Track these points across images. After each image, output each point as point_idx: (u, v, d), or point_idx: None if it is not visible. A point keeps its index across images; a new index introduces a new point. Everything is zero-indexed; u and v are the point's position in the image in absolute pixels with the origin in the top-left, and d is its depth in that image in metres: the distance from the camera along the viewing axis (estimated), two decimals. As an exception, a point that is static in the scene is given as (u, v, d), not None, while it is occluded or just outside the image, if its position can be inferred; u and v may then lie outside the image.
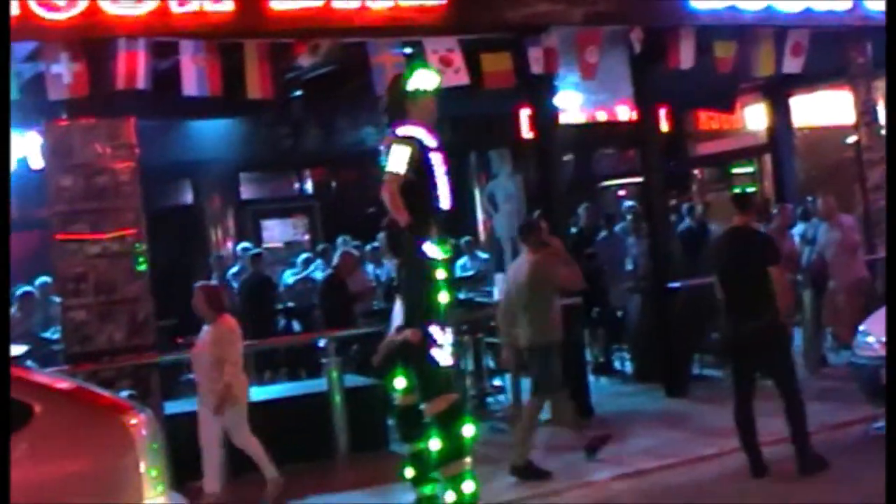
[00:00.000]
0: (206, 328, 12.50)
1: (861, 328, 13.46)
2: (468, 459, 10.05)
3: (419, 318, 10.03)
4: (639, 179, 19.25)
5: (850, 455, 12.19)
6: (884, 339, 12.83)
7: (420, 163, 9.92)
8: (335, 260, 18.11)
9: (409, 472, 10.47)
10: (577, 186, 22.64)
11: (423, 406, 10.13)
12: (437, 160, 10.02)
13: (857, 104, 19.13)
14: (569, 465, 13.12)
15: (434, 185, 10.01)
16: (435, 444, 9.96)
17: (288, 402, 14.80)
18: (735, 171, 27.40)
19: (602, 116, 22.88)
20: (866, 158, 19.06)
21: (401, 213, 9.83)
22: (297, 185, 25.37)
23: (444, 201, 10.11)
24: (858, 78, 18.97)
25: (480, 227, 23.77)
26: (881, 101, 19.37)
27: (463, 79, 14.65)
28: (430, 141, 10.05)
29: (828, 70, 19.99)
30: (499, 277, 16.57)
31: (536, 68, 15.31)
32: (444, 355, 10.00)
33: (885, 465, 7.64)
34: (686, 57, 16.11)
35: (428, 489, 10.37)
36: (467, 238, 21.31)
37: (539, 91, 16.12)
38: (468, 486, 9.89)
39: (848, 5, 17.57)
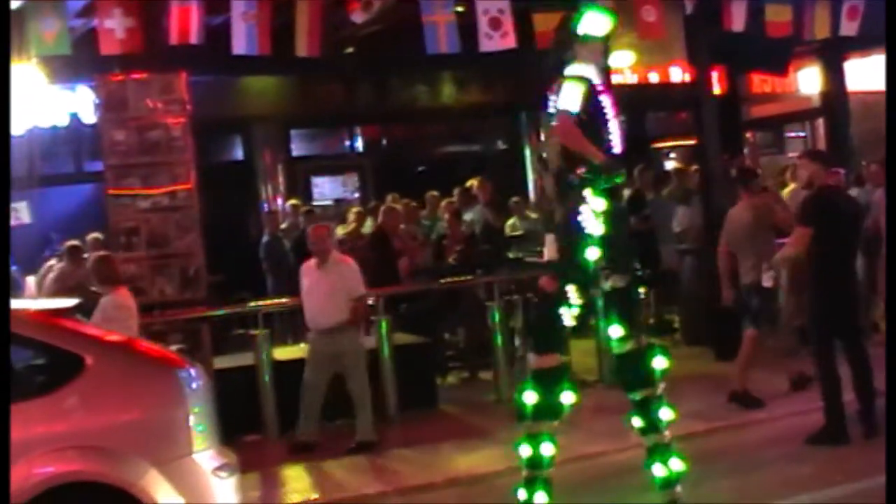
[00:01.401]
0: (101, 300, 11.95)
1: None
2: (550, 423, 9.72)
3: (623, 263, 9.63)
4: (691, 142, 19.16)
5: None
6: None
7: (591, 103, 9.40)
8: (381, 216, 18.13)
9: (637, 422, 9.70)
10: (629, 147, 22.51)
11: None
12: (607, 102, 9.51)
13: (912, 68, 18.93)
14: (618, 425, 13.14)
15: (606, 128, 9.50)
16: (531, 398, 9.60)
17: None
18: (788, 134, 27.24)
19: (655, 77, 22.77)
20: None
21: (589, 149, 9.33)
22: (347, 143, 25.38)
23: (617, 145, 9.56)
24: (914, 42, 18.77)
25: (531, 187, 23.70)
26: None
27: (510, 42, 14.60)
28: (599, 82, 9.56)
29: (883, 34, 19.78)
30: (549, 238, 16.52)
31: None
32: (569, 315, 9.59)
33: (885, 464, 7.61)
34: (738, 19, 15.99)
35: (658, 438, 9.88)
36: (516, 198, 21.26)
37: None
38: (665, 413, 9.50)
39: (906, -33, 17.36)
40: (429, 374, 15.17)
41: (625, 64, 21.05)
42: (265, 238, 19.05)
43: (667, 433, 9.57)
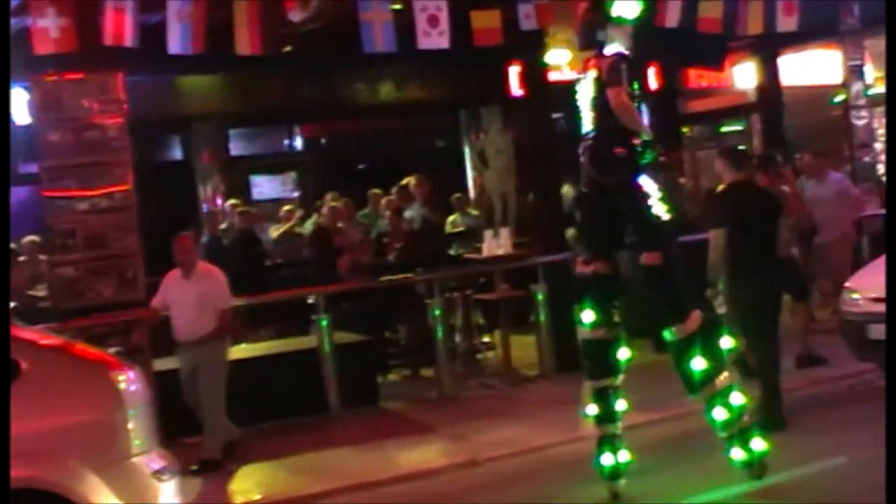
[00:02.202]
0: None
1: (847, 284, 13.57)
2: (727, 373, 9.78)
3: (655, 240, 9.82)
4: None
5: (838, 408, 12.30)
6: (870, 295, 12.96)
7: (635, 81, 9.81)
8: (321, 214, 18.15)
9: (592, 409, 10.07)
10: (567, 143, 22.62)
11: (671, 330, 9.80)
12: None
13: (846, 63, 19.14)
14: (563, 418, 13.25)
15: (640, 107, 9.85)
16: (699, 363, 9.64)
17: (278, 358, 14.80)
18: (725, 129, 27.40)
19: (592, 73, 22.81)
20: (853, 116, 19.08)
21: (642, 124, 9.74)
22: (287, 142, 25.30)
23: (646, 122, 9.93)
24: (847, 37, 18.99)
25: (470, 184, 23.74)
26: (869, 61, 19.36)
27: (444, 43, 14.63)
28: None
29: (816, 29, 19.99)
30: (488, 234, 16.61)
31: (527, 25, 15.28)
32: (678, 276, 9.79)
33: (885, 464, 7.71)
34: (672, 15, 16.08)
35: (615, 428, 10.06)
36: (457, 195, 21.30)
37: (529, 48, 16.11)
38: (737, 398, 9.67)
39: (837, -34, 17.57)
40: (370, 372, 15.20)
41: (563, 61, 21.08)
42: (205, 238, 18.95)
43: (620, 424, 9.71)
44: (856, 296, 13.26)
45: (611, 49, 9.81)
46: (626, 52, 9.81)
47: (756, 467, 9.65)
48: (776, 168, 14.80)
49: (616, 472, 9.87)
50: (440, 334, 15.06)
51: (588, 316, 9.98)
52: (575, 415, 13.14)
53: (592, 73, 9.84)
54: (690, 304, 9.80)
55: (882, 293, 12.87)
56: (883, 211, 18.39)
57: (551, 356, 15.52)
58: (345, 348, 14.57)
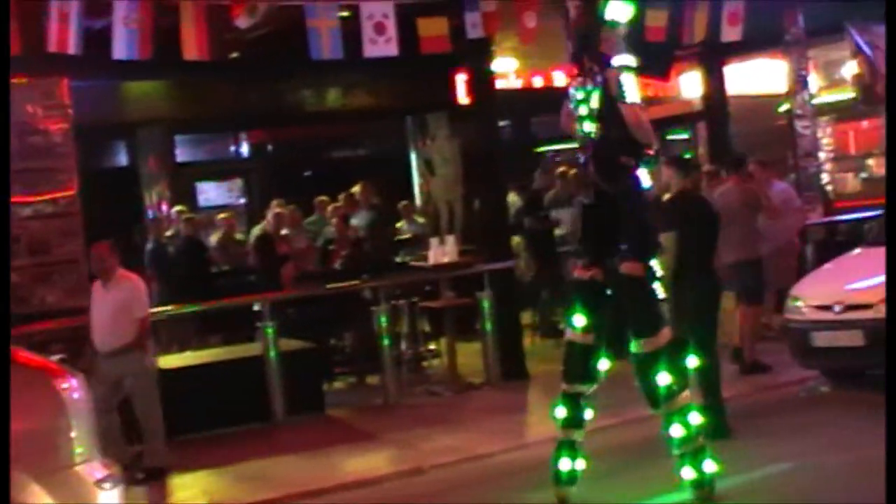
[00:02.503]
0: None
1: (791, 293, 13.68)
2: (688, 392, 9.79)
3: (643, 250, 9.76)
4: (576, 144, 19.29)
5: (784, 415, 12.39)
6: (813, 303, 13.09)
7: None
8: (266, 221, 18.13)
9: (561, 412, 10.02)
10: (514, 151, 22.68)
11: (639, 343, 9.67)
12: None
13: (790, 73, 19.30)
14: (508, 426, 13.28)
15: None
16: (664, 378, 9.58)
17: (223, 366, 14.75)
18: (670, 137, 27.52)
19: (539, 82, 22.91)
20: (797, 126, 19.23)
21: (653, 138, 9.76)
22: (233, 148, 25.25)
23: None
24: (791, 47, 19.13)
25: (417, 192, 23.75)
26: (813, 70, 19.51)
27: (391, 50, 14.65)
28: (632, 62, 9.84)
29: (762, 39, 20.14)
30: (434, 241, 16.63)
31: (474, 33, 15.32)
32: (661, 289, 9.80)
33: (885, 464, 7.78)
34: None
35: (578, 435, 10.01)
36: (405, 202, 21.31)
37: (476, 56, 16.15)
38: (695, 418, 9.64)
39: (782, -24, 17.73)
40: (316, 379, 15.16)
41: (509, 69, 21.17)
42: (150, 245, 18.88)
43: (583, 432, 9.89)
44: (799, 304, 13.39)
45: (619, 59, 9.79)
46: (632, 63, 9.80)
47: (705, 489, 9.67)
48: (746, 170, 15.49)
49: (571, 479, 9.90)
50: (386, 342, 15.05)
51: (579, 320, 9.95)
52: (520, 422, 13.24)
53: (598, 84, 9.79)
54: (663, 320, 9.83)
55: (824, 301, 13.02)
56: (827, 219, 18.59)
57: (496, 364, 15.55)
58: (290, 355, 14.54)
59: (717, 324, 12.15)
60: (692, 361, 9.99)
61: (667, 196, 12.38)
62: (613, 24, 9.86)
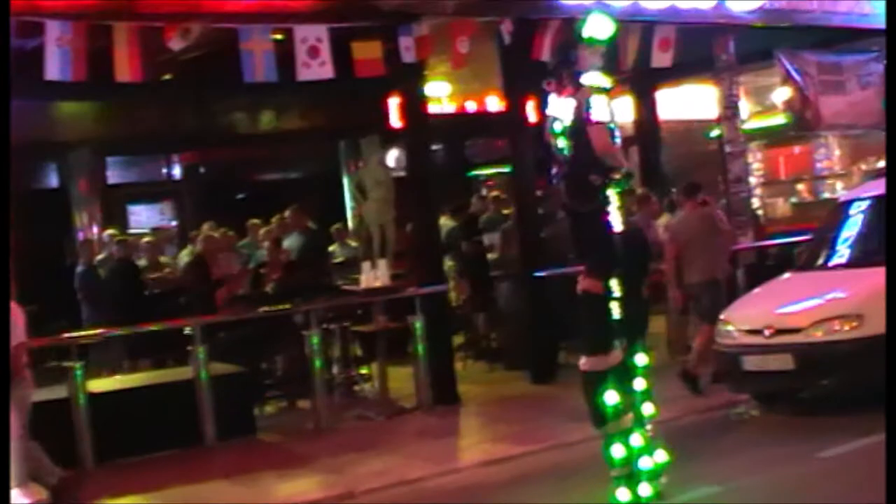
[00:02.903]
0: None
1: (722, 317, 13.78)
2: (632, 414, 9.81)
3: (603, 269, 9.81)
4: (508, 169, 19.40)
5: (715, 438, 12.48)
6: (743, 327, 13.20)
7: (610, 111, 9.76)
8: (198, 244, 18.05)
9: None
10: (447, 175, 22.74)
11: (589, 359, 9.72)
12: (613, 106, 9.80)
13: (721, 99, 19.47)
14: (440, 449, 13.29)
15: (613, 132, 9.78)
16: (611, 397, 9.60)
17: (153, 389, 14.65)
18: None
19: (472, 106, 23.00)
20: (728, 151, 19.41)
21: (620, 157, 9.75)
22: (165, 170, 25.13)
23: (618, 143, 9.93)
24: (722, 73, 19.30)
25: (349, 215, 23.72)
26: (744, 96, 19.68)
27: (324, 74, 14.67)
28: (607, 86, 9.74)
29: (692, 65, 20.34)
30: (366, 265, 16.61)
31: (407, 57, 15.37)
32: (616, 310, 9.79)
33: (886, 465, 7.85)
34: (547, 50, 16.30)
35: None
36: (337, 225, 21.28)
37: (409, 80, 16.19)
38: (636, 440, 9.70)
39: (711, 3, 17.89)
40: (247, 403, 15.10)
41: (442, 94, 21.23)
42: (80, 267, 18.73)
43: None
44: (730, 328, 13.48)
45: (590, 78, 9.79)
46: (605, 85, 9.80)
47: None
48: (700, 196, 15.87)
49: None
50: (318, 365, 15.00)
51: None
52: (451, 446, 13.25)
53: (571, 102, 9.78)
54: (617, 339, 9.86)
55: (754, 325, 13.13)
56: (757, 244, 18.76)
57: (428, 387, 15.54)
58: (221, 379, 14.47)
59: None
60: (640, 384, 10.01)
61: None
62: (591, 42, 9.83)
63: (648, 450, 9.87)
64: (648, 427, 9.95)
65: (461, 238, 19.03)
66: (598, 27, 9.85)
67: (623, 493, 9.63)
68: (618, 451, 9.62)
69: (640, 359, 9.99)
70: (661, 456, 9.95)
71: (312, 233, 19.26)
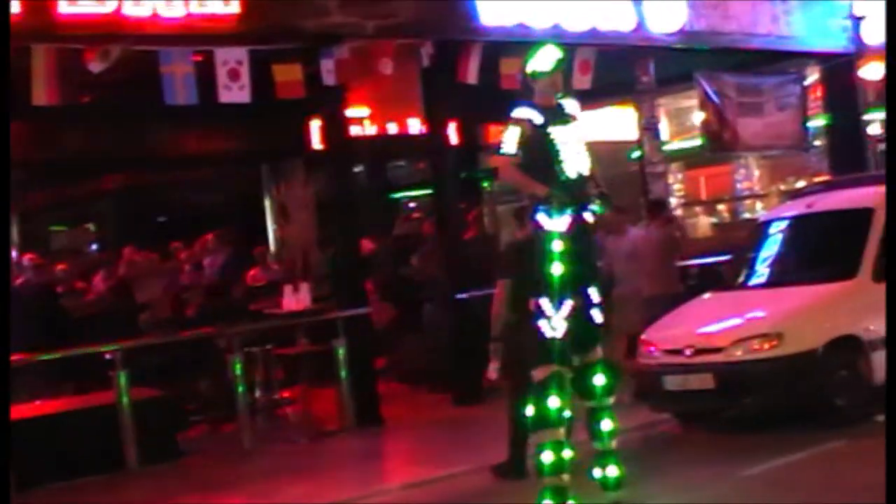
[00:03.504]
0: None
1: (643, 337, 13.86)
2: (554, 431, 9.88)
3: (529, 290, 10.10)
4: (430, 191, 19.45)
5: (636, 458, 12.51)
6: (665, 346, 13.29)
7: (532, 141, 9.88)
8: (120, 267, 17.94)
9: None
10: (369, 197, 22.74)
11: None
12: (557, 134, 9.94)
13: (641, 120, 19.62)
14: (364, 472, 13.28)
15: (548, 161, 9.92)
16: (530, 410, 9.91)
17: (75, 415, 14.53)
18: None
19: (393, 128, 23.01)
20: (649, 172, 19.54)
21: (527, 185, 9.93)
22: (86, 193, 24.94)
23: (567, 171, 9.96)
24: (642, 95, 19.47)
25: (272, 238, 23.67)
26: (664, 118, 19.83)
27: (244, 97, 14.68)
28: (539, 118, 9.93)
29: (613, 87, 20.47)
30: (288, 288, 16.58)
31: (329, 80, 15.38)
32: (549, 328, 9.88)
33: (886, 465, 7.90)
34: (473, 72, 16.40)
35: (600, 445, 10.18)
36: (260, 249, 21.23)
37: (331, 102, 16.19)
38: (547, 456, 9.76)
39: (632, 26, 18.03)
40: (170, 427, 15.01)
41: (364, 115, 21.22)
42: (-2, 292, 18.51)
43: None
44: (651, 348, 13.57)
45: (516, 112, 10.00)
46: (526, 116, 9.93)
47: None
48: (665, 213, 16.65)
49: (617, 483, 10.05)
50: (241, 389, 14.95)
51: None
52: (373, 469, 13.24)
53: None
54: (543, 357, 10.00)
55: (675, 345, 13.22)
56: (678, 264, 18.88)
57: (351, 410, 15.52)
58: (144, 404, 14.38)
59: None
60: (553, 401, 10.06)
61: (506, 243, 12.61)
62: (535, 75, 10.10)
63: (602, 462, 10.08)
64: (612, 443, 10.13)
65: (385, 260, 19.04)
66: (541, 62, 10.11)
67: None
68: (547, 457, 9.75)
69: (598, 379, 10.08)
70: (613, 471, 10.06)
71: (234, 256, 19.19)
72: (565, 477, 9.83)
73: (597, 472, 10.05)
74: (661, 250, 15.93)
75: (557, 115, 10.07)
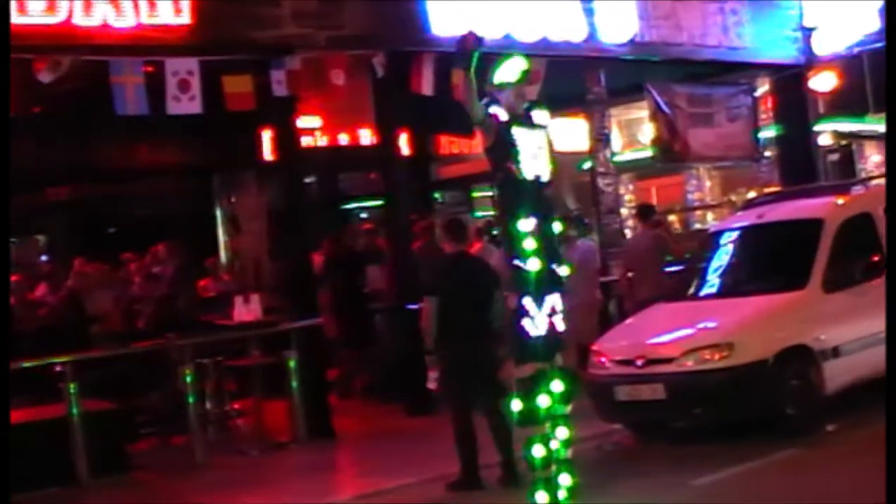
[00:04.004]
0: None
1: (594, 348, 13.89)
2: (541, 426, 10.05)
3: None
4: (381, 202, 19.43)
5: (586, 469, 12.52)
6: (616, 357, 13.31)
7: (497, 135, 10.06)
8: (71, 280, 17.83)
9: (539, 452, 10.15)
10: (321, 208, 22.71)
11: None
12: (519, 135, 10.06)
13: (592, 131, 19.67)
14: (315, 484, 13.24)
15: (507, 155, 10.03)
16: (517, 405, 10.01)
17: (24, 427, 14.37)
18: (476, 194, 27.83)
19: (345, 139, 23.00)
20: (600, 183, 19.59)
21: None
22: (36, 205, 24.76)
23: (525, 171, 10.04)
24: (593, 106, 19.51)
25: (223, 249, 23.59)
26: (615, 128, 19.88)
27: (195, 108, 14.63)
28: (505, 116, 10.07)
29: (564, 98, 20.51)
30: (239, 299, 16.52)
31: (279, 91, 15.34)
32: (532, 326, 9.98)
33: (886, 464, 7.92)
34: (426, 83, 16.39)
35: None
36: (211, 260, 21.15)
37: (282, 113, 16.16)
38: (537, 451, 9.91)
39: (583, 36, 18.08)
40: (121, 440, 14.91)
41: (315, 126, 21.20)
42: None
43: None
44: (602, 359, 13.58)
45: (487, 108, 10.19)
46: (493, 111, 10.12)
47: None
48: (654, 219, 17.34)
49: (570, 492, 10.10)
50: (192, 401, 14.88)
51: None
52: (325, 481, 13.21)
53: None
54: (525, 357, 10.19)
55: (626, 355, 13.25)
56: (630, 274, 18.96)
57: (303, 422, 15.46)
58: (94, 416, 14.27)
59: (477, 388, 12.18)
60: (541, 398, 10.15)
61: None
62: (502, 86, 10.25)
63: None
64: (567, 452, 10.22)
65: (337, 271, 18.96)
66: (506, 73, 10.27)
67: (541, 496, 9.88)
68: (538, 451, 9.92)
69: (556, 386, 10.14)
70: (566, 479, 10.12)
71: (184, 267, 19.08)
72: (555, 469, 9.96)
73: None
74: (651, 253, 16.82)
75: (523, 120, 10.21)
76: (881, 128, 27.91)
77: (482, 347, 11.85)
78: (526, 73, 10.38)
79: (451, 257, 12.54)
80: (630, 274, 17.26)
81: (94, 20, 13.79)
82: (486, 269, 12.46)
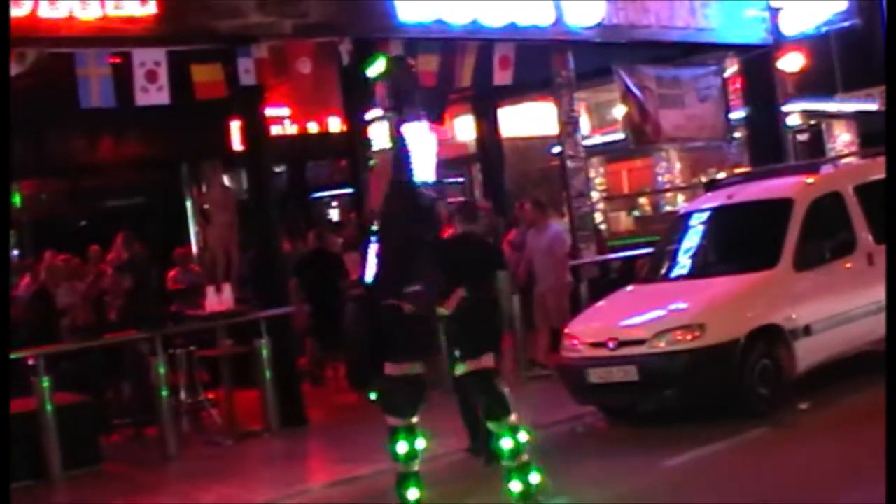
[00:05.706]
0: None
1: (566, 331, 13.90)
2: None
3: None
4: (350, 190, 19.42)
5: (562, 451, 12.57)
6: (588, 340, 13.31)
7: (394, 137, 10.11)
8: (41, 274, 17.75)
9: (403, 447, 10.44)
10: (290, 197, 22.68)
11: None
12: (410, 132, 10.12)
13: (561, 115, 19.65)
14: (288, 472, 13.22)
15: (409, 157, 10.09)
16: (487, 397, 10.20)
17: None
18: (445, 180, 27.82)
19: (314, 128, 22.97)
20: (569, 167, 19.56)
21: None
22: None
23: (418, 172, 10.18)
24: (562, 90, 19.49)
25: (193, 239, 23.53)
26: (584, 112, 19.88)
27: (163, 98, 14.59)
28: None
29: (533, 82, 20.52)
30: (210, 290, 16.46)
31: (247, 80, 15.29)
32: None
33: (886, 464, 7.93)
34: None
35: (417, 464, 10.36)
36: (180, 250, 21.06)
37: (249, 102, 16.11)
38: (506, 443, 10.01)
39: (550, 20, 18.07)
40: (93, 433, 14.85)
41: (283, 115, 21.16)
42: None
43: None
44: (574, 341, 13.59)
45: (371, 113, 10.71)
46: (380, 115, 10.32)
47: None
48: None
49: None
50: (164, 392, 14.82)
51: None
52: (298, 469, 13.19)
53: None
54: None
55: (598, 338, 13.25)
56: (600, 258, 19.01)
57: (275, 411, 15.42)
58: (65, 409, 14.21)
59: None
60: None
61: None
62: (376, 79, 10.58)
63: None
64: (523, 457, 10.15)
65: (308, 261, 18.90)
66: (376, 66, 10.63)
67: (515, 485, 9.95)
68: (507, 444, 9.99)
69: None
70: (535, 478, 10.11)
71: (145, 258, 18.97)
72: (525, 457, 10.00)
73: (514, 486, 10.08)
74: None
75: (409, 115, 10.28)
76: (849, 107, 28.09)
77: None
78: (397, 64, 10.48)
79: (461, 237, 12.45)
80: None
81: (59, 12, 13.73)
82: (492, 249, 12.58)
